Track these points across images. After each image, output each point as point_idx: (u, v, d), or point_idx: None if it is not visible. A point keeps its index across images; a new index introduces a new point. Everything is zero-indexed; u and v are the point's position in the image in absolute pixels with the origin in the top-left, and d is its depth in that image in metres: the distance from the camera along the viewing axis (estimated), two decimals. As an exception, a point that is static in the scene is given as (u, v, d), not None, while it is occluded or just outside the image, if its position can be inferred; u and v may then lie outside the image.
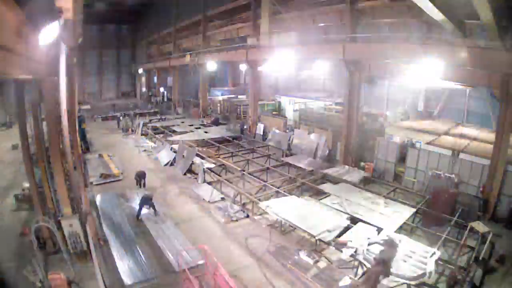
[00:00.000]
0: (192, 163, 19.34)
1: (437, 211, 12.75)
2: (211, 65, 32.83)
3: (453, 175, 14.24)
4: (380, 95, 26.30)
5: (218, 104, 40.18)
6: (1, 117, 33.77)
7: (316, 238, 10.82)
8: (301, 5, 24.71)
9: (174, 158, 20.83)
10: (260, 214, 13.76)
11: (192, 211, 14.49)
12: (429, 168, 15.49)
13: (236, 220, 13.42)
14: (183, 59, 39.79)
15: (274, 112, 31.48)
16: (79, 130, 15.18)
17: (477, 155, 14.84)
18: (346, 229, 11.29)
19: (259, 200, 13.99)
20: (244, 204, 14.59)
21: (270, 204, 13.04)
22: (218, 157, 20.82)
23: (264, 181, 16.59)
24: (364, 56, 18.02)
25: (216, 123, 32.54)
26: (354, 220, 11.92)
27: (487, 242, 10.58)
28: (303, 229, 11.32)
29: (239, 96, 43.10)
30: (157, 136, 27.52)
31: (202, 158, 19.99)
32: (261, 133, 26.52)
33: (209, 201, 15.13)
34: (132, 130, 30.83)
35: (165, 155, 21.89)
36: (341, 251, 10.08)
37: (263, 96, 34.85)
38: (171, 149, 22.32)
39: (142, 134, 29.13)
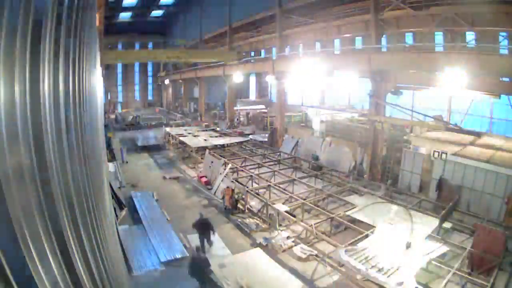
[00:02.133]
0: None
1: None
2: (238, 76, 34.57)
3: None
4: (405, 106, 27.12)
5: (245, 115, 42.06)
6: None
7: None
8: (327, 16, 26.09)
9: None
10: (285, 225, 14.96)
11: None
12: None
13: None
14: (209, 70, 41.87)
15: (301, 124, 32.72)
16: (105, 139, 16.76)
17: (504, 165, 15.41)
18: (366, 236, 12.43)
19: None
20: (270, 215, 15.54)
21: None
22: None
23: (291, 193, 17.50)
24: (390, 66, 18.92)
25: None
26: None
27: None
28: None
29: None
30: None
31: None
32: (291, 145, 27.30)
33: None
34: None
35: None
36: None
37: (290, 108, 36.27)
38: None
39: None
